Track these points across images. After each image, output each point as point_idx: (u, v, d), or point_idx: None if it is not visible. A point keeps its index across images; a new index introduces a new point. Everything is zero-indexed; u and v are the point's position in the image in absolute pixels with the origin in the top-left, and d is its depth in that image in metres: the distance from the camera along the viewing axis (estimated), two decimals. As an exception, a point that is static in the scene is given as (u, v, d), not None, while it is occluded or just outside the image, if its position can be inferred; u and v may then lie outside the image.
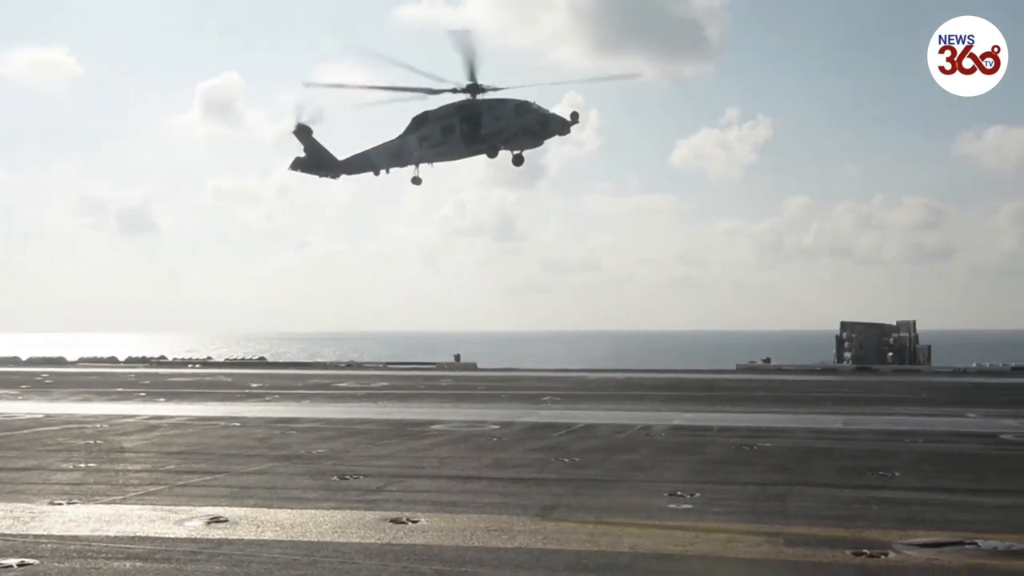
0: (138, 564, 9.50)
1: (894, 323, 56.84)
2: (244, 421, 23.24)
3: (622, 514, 11.84)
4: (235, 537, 10.61)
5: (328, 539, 10.53)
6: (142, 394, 32.74)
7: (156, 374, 47.01)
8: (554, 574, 9.16)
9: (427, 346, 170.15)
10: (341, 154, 43.01)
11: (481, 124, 37.56)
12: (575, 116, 36.41)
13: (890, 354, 53.90)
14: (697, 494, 13.08)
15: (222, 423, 22.81)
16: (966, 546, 10.02)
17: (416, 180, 40.94)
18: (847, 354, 54.99)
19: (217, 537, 10.61)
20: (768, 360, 54.75)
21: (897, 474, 14.92)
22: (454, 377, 44.13)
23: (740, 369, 50.70)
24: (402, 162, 40.73)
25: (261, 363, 62.85)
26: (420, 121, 39.47)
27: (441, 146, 38.91)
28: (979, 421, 22.99)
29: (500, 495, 13.22)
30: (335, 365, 58.18)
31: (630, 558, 9.68)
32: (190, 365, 57.67)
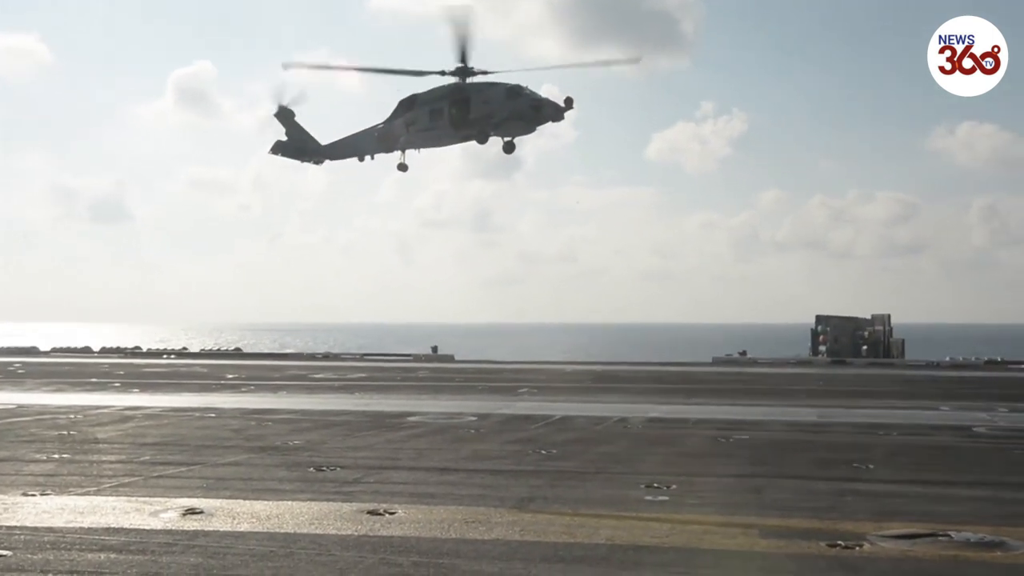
0: (112, 556, 9.43)
1: (869, 317, 57.29)
2: (220, 412, 23.11)
3: (599, 506, 11.88)
4: (211, 529, 10.55)
5: (305, 531, 10.49)
6: (116, 385, 32.47)
7: (131, 364, 46.65)
8: (531, 566, 9.17)
9: (404, 338, 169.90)
10: (325, 139, 41.55)
11: (470, 108, 36.10)
12: (569, 102, 35.01)
13: (864, 347, 54.30)
14: (673, 486, 13.14)
15: (197, 414, 22.67)
16: (939, 538, 10.12)
17: (402, 167, 39.58)
18: (822, 347, 55.36)
19: (192, 529, 10.55)
20: (744, 353, 55.06)
21: (871, 466, 15.05)
22: (431, 369, 44.09)
23: (716, 362, 50.95)
24: (388, 147, 39.32)
25: (237, 354, 62.49)
26: (407, 105, 38.10)
27: (429, 131, 37.48)
28: (952, 414, 23.23)
29: (477, 487, 13.23)
30: (311, 356, 57.95)
31: (607, 550, 9.71)
32: (165, 355, 57.26)
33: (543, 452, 16.51)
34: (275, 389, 30.84)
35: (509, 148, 37.15)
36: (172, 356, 56.69)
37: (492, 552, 9.63)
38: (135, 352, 60.07)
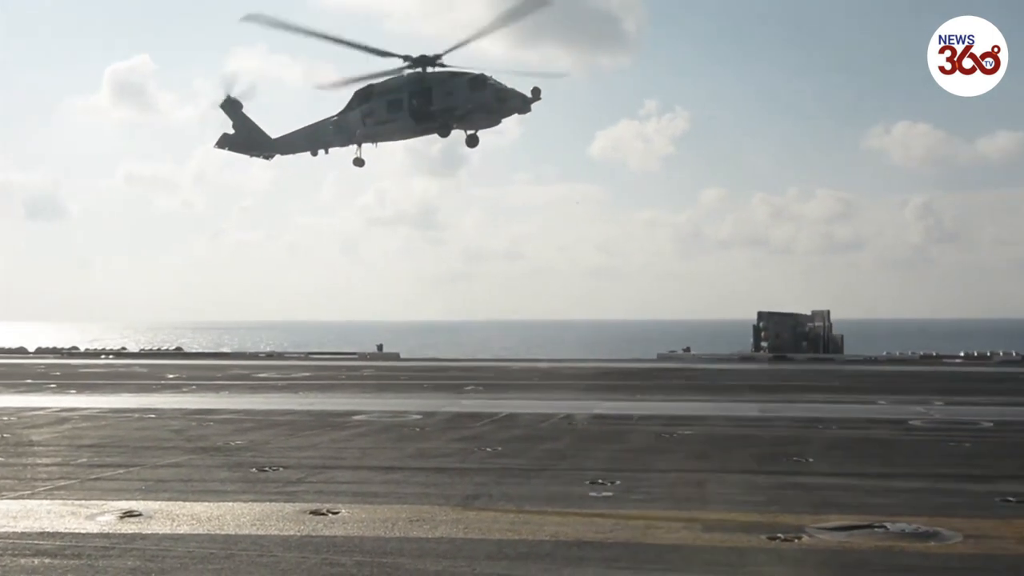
0: (47, 560, 9.21)
1: (809, 313, 58.22)
2: (160, 413, 22.71)
3: (544, 502, 11.91)
4: (149, 531, 10.36)
5: (246, 532, 10.35)
6: (53, 386, 31.74)
7: (68, 365, 45.62)
8: (475, 563, 9.16)
9: (349, 336, 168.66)
10: (275, 132, 39.64)
11: (432, 100, 34.32)
12: (536, 92, 33.21)
13: (805, 343, 55.20)
14: (618, 482, 13.22)
15: (136, 415, 22.24)
16: (875, 529, 10.33)
17: (358, 161, 37.54)
18: (764, 343, 56.13)
19: (130, 532, 10.35)
20: (688, 349, 55.60)
21: (811, 460, 15.31)
22: (377, 367, 43.83)
23: (661, 358, 51.41)
24: (343, 141, 37.37)
25: (178, 353, 61.48)
26: (364, 96, 36.12)
27: (387, 123, 35.60)
28: (889, 408, 23.72)
29: (422, 485, 13.18)
30: (255, 355, 57.25)
31: (551, 546, 9.73)
32: (103, 356, 56.10)
33: (488, 450, 16.51)
34: (217, 389, 30.39)
35: (472, 142, 35.66)
36: (110, 356, 55.57)
37: (436, 550, 9.60)
38: (72, 352, 58.76)
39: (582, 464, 14.96)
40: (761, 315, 57.69)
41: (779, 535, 10.05)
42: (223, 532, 10.35)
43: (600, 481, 13.25)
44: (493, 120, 34.74)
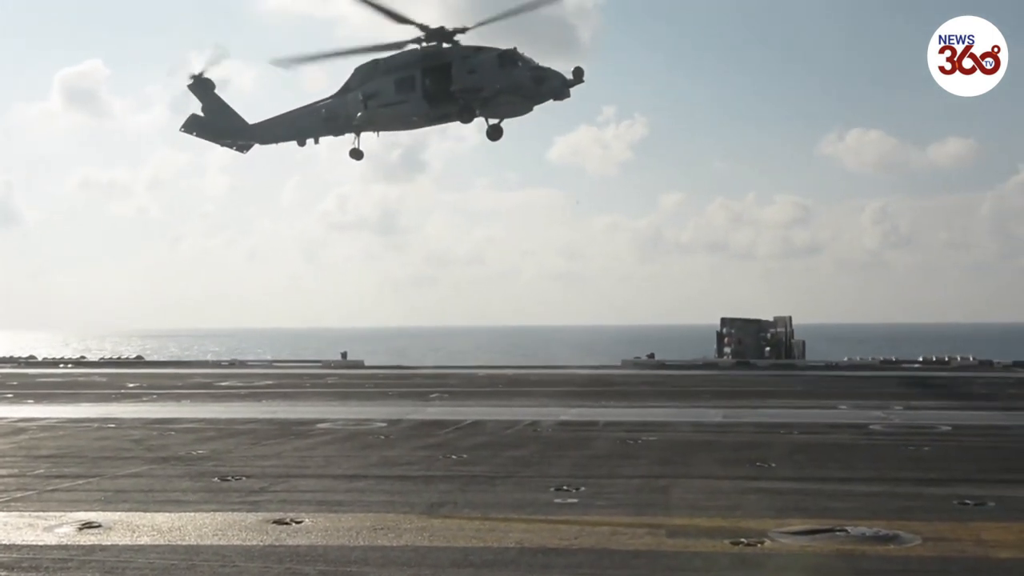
0: (3, 573, 9.05)
1: (771, 319, 58.77)
2: (119, 422, 22.40)
3: (509, 510, 11.91)
4: (108, 543, 10.21)
5: (208, 542, 10.24)
6: (9, 395, 31.18)
7: (24, 374, 44.85)
8: (440, 571, 9.13)
9: (312, 343, 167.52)
10: (254, 117, 34.14)
11: (451, 78, 28.49)
12: (579, 73, 27.89)
13: (767, 349, 55.69)
14: (583, 488, 13.25)
15: (96, 425, 21.92)
16: (837, 533, 10.44)
17: (356, 153, 31.75)
18: (727, 349, 56.55)
19: (89, 543, 10.19)
20: (652, 355, 55.87)
21: (774, 465, 15.44)
22: (341, 375, 43.57)
23: (626, 364, 51.61)
24: (338, 128, 31.42)
25: (138, 362, 60.70)
26: (366, 73, 30.26)
27: (395, 107, 29.60)
28: (850, 413, 23.99)
29: (386, 493, 13.12)
30: (217, 363, 56.67)
31: (516, 553, 9.73)
32: (61, 365, 55.25)
33: (453, 457, 16.48)
34: (178, 398, 30.05)
35: (495, 134, 29.70)
36: (69, 365, 54.73)
37: (401, 558, 9.57)
38: (29, 361, 57.82)
39: (547, 471, 14.98)
40: (724, 321, 58.11)
41: (742, 540, 10.13)
42: (184, 543, 10.24)
43: (565, 488, 13.27)
44: (525, 106, 29.16)
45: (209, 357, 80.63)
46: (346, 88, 30.90)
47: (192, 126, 34.94)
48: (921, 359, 48.72)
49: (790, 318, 57.86)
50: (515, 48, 27.93)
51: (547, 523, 11.10)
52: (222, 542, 10.25)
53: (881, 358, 51.92)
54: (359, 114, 30.46)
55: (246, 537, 10.45)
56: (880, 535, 10.35)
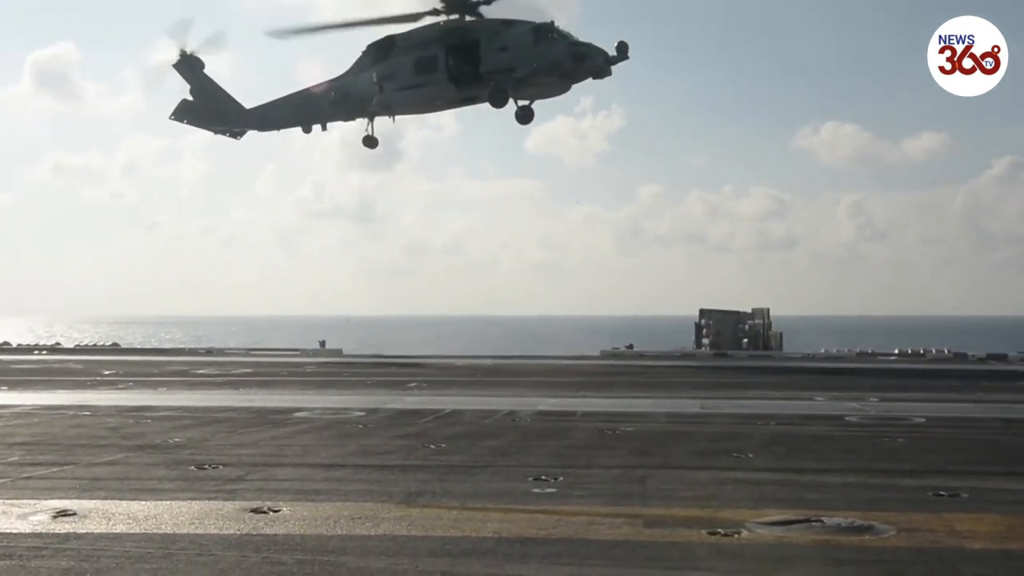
0: (-24, 562, 8.97)
1: (749, 310, 59.08)
2: (95, 410, 22.24)
3: (487, 499, 11.92)
4: (84, 531, 10.15)
5: (184, 531, 10.19)
6: (-17, 382, 30.88)
7: (-1, 361, 44.43)
8: (418, 560, 9.13)
9: (289, 331, 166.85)
10: (251, 101, 30.88)
11: (480, 56, 26.05)
12: (623, 48, 25.34)
13: (745, 340, 56.00)
14: (561, 478, 13.28)
15: (71, 412, 21.75)
16: (813, 523, 10.53)
17: (370, 141, 28.81)
18: (705, 340, 56.82)
19: (64, 531, 10.12)
20: (631, 346, 56.03)
21: (750, 455, 15.53)
22: (319, 363, 43.42)
23: (604, 355, 51.73)
24: (349, 113, 29.00)
25: (114, 349, 60.25)
26: (381, 51, 27.65)
27: (415, 90, 27.07)
28: (826, 404, 24.16)
29: (364, 482, 13.10)
30: (194, 351, 56.32)
31: (494, 543, 9.74)
32: (36, 351, 54.75)
33: (432, 446, 16.47)
34: (155, 386, 29.85)
35: (526, 116, 27.24)
36: (44, 352, 54.25)
37: (379, 548, 9.56)
38: (3, 347, 57.27)
39: (525, 461, 15.00)
40: (703, 312, 58.38)
41: (719, 530, 10.19)
42: (161, 531, 10.19)
43: (543, 477, 13.29)
44: (563, 85, 26.75)
45: (186, 344, 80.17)
46: (358, 67, 27.83)
47: (183, 113, 31.95)
48: (897, 351, 49.15)
49: (768, 310, 58.22)
50: (552, 21, 24.82)
51: (525, 513, 11.12)
52: (199, 531, 10.20)
53: (857, 350, 52.30)
54: (373, 98, 27.51)
55: (223, 526, 10.40)
56: (855, 526, 10.44)
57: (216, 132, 31.88)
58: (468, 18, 25.30)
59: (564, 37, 25.55)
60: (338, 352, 54.21)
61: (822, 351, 52.95)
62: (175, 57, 32.26)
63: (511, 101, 26.56)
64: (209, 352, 55.32)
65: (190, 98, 31.69)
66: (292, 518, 10.77)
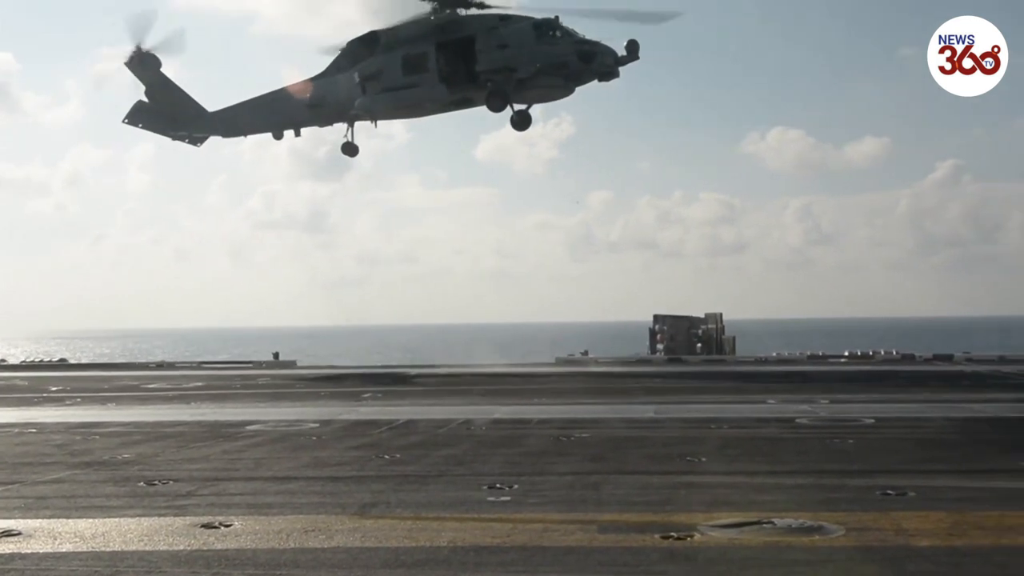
0: (-85, 586, 8.74)
1: (702, 315, 59.61)
2: (41, 427, 21.79)
3: (441, 509, 11.89)
4: (29, 551, 9.94)
5: (133, 548, 10.03)
6: (-76, 401, 30.12)
7: (-59, 378, 43.34)
8: (371, 572, 9.08)
9: (242, 342, 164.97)
10: (214, 104, 28.70)
11: (476, 54, 23.65)
12: (634, 48, 23.23)
13: (699, 345, 56.48)
14: (515, 486, 13.29)
15: (16, 430, 21.29)
16: (764, 525, 10.65)
17: (350, 148, 26.85)
18: (659, 346, 57.22)
19: (8, 552, 9.90)
20: (586, 352, 56.23)
21: (703, 459, 15.67)
22: (272, 376, 42.99)
23: (559, 362, 51.85)
24: (326, 117, 26.39)
25: (62, 365, 59.09)
26: (364, 48, 24.96)
27: (403, 91, 24.44)
28: (778, 407, 24.44)
29: (318, 495, 13.00)
30: (144, 365, 55.44)
31: (448, 552, 9.72)
32: (-19, 368, 53.49)
33: (386, 457, 16.39)
34: (103, 401, 29.33)
35: (522, 122, 25.19)
36: (-11, 369, 53.02)
37: (332, 560, 9.48)
38: (-54, 365, 55.88)
39: (480, 469, 14.98)
40: (657, 318, 58.80)
41: (672, 534, 10.27)
42: (108, 549, 10.01)
43: (498, 486, 13.29)
44: (567, 88, 24.62)
45: (136, 358, 78.91)
46: (337, 66, 25.09)
47: (137, 116, 29.23)
48: (846, 353, 49.88)
49: (720, 314, 58.76)
50: (556, 17, 22.62)
51: (480, 521, 11.11)
52: (148, 548, 10.04)
53: (808, 353, 52.99)
54: (355, 100, 24.87)
55: (173, 542, 10.25)
56: (805, 526, 10.58)
57: (174, 138, 29.54)
58: (462, 12, 22.92)
59: (570, 34, 23.43)
60: (291, 364, 53.71)
61: (774, 354, 53.58)
62: (128, 55, 29.42)
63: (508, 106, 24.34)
64: (160, 366, 54.48)
65: (145, 100, 29.33)
66: (244, 532, 10.65)
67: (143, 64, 28.62)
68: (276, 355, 57.64)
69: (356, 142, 27.34)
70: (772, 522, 10.74)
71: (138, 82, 29.51)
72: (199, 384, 36.99)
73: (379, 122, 25.27)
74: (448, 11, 23.13)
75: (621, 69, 23.43)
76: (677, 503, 12.04)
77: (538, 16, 23.12)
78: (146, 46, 28.74)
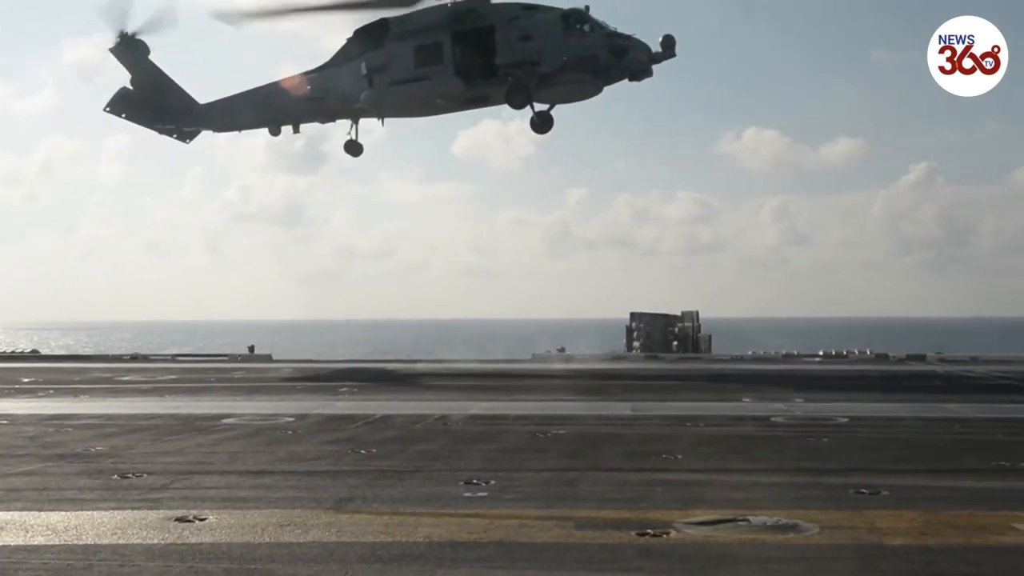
0: None
1: (679, 313, 59.88)
2: (13, 419, 21.56)
3: (418, 504, 11.87)
4: (0, 544, 9.82)
5: (106, 541, 9.95)
6: None
7: (-90, 369, 42.79)
8: (347, 567, 9.05)
9: (217, 336, 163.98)
10: (206, 96, 26.36)
11: (495, 46, 21.70)
12: (670, 44, 21.87)
13: (675, 343, 56.73)
14: (492, 482, 13.29)
15: (-13, 421, 21.06)
16: (739, 522, 10.71)
17: (354, 147, 25.20)
18: (636, 343, 57.43)
19: (-21, 545, 9.79)
20: (563, 349, 56.31)
21: (679, 457, 15.73)
22: (248, 369, 42.75)
23: (536, 358, 51.88)
24: (328, 113, 24.41)
25: (33, 356, 58.47)
26: (372, 37, 22.92)
27: (414, 84, 22.53)
28: (753, 405, 24.58)
29: (294, 489, 12.94)
30: (118, 358, 54.96)
31: (425, 547, 9.71)
32: (-49, 359, 52.84)
33: (362, 452, 16.34)
34: (76, 393, 29.06)
35: (543, 124, 23.47)
36: (-41, 359, 52.41)
37: (307, 555, 9.45)
38: (-84, 355, 55.17)
39: (457, 465, 14.97)
40: (633, 315, 59.04)
41: (648, 531, 10.30)
42: (81, 542, 9.92)
43: (475, 481, 13.29)
44: (595, 85, 22.72)
45: (109, 350, 78.27)
46: (342, 57, 23.10)
47: (121, 105, 27.15)
48: (821, 353, 50.22)
49: (697, 312, 59.08)
50: (586, 7, 20.74)
51: (456, 517, 11.10)
52: (121, 541, 9.96)
53: (783, 352, 53.33)
54: (362, 94, 22.94)
55: (146, 536, 10.18)
56: (780, 524, 10.65)
57: (160, 131, 27.41)
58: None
59: (600, 27, 21.52)
60: (267, 357, 53.42)
61: (750, 353, 53.88)
62: (113, 41, 27.51)
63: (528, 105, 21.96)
64: (134, 358, 54.06)
65: (130, 87, 27.21)
66: (218, 526, 10.58)
67: (130, 50, 26.77)
68: (251, 348, 57.32)
69: (360, 140, 25.97)
70: (747, 520, 10.80)
71: (114, 71, 28.34)
72: (173, 377, 36.73)
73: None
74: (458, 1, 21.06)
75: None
76: (653, 500, 12.08)
77: (568, 8, 21.31)
78: (132, 30, 27.05)
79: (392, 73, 22.51)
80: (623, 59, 21.43)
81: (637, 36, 21.53)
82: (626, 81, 21.92)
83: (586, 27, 21.55)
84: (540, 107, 22.77)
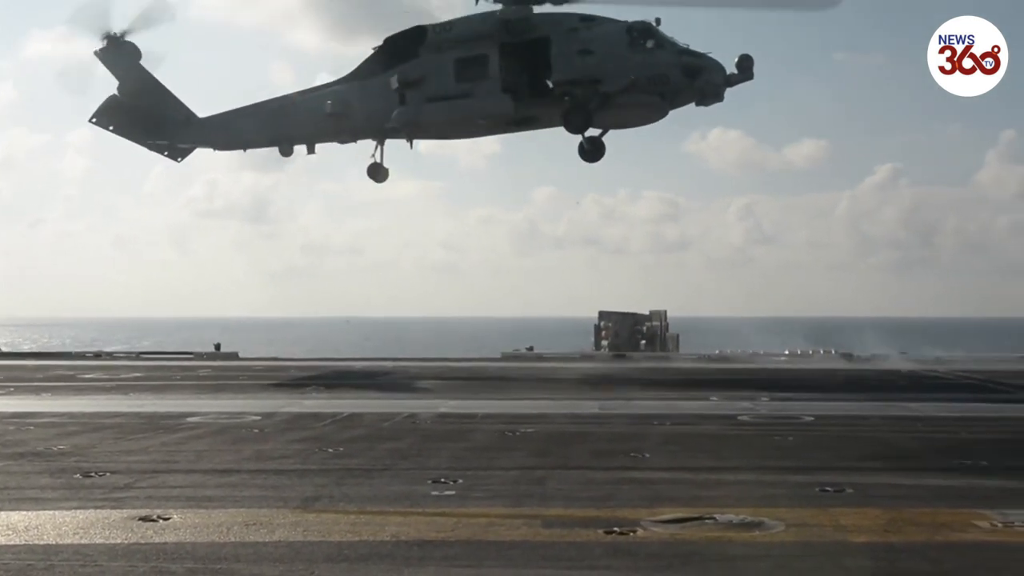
0: None
1: (647, 312, 60.14)
2: (-27, 417, 21.20)
3: (385, 503, 11.82)
4: (-42, 544, 9.66)
5: (68, 541, 9.81)
6: None
7: None
8: (314, 566, 8.99)
9: (183, 333, 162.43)
10: (206, 109, 23.72)
11: (550, 60, 19.62)
12: (748, 64, 19.95)
13: (643, 342, 56.98)
14: (460, 480, 13.26)
15: (-54, 419, 20.69)
16: (706, 520, 10.77)
17: (378, 171, 22.47)
18: (604, 342, 57.61)
19: (-64, 545, 9.62)
20: (532, 348, 56.36)
21: (647, 455, 15.79)
22: (214, 367, 42.35)
23: (505, 357, 51.87)
24: (352, 131, 21.61)
25: (-5, 353, 57.56)
26: (406, 47, 20.65)
27: (454, 101, 20.32)
28: (720, 404, 24.74)
29: (260, 488, 12.84)
30: (81, 355, 54.23)
31: (392, 546, 9.67)
32: (-91, 356, 51.92)
33: (330, 450, 16.25)
34: (38, 391, 28.65)
35: (595, 151, 20.88)
36: (-82, 356, 51.50)
37: (273, 554, 9.38)
38: None
39: (425, 463, 14.93)
40: (602, 314, 59.24)
41: (615, 529, 10.33)
42: (42, 542, 9.78)
43: (443, 480, 13.26)
44: (661, 109, 20.48)
45: (71, 347, 77.27)
46: (369, 69, 20.70)
47: (108, 116, 24.44)
48: (787, 352, 50.67)
49: (665, 312, 59.37)
50: (657, 19, 18.73)
51: (424, 515, 11.07)
52: (83, 541, 9.83)
53: (750, 351, 53.72)
54: (393, 112, 20.53)
55: (109, 535, 10.05)
56: (746, 522, 10.72)
57: (151, 147, 24.89)
58: (537, 9, 18.75)
59: (670, 42, 19.69)
60: (234, 355, 52.96)
61: (717, 352, 54.23)
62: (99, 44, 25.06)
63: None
64: (97, 356, 53.36)
65: (119, 95, 24.67)
66: (183, 526, 10.48)
67: (119, 53, 24.31)
68: (218, 346, 56.83)
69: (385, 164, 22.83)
70: (714, 518, 10.86)
71: (102, 81, 25.74)
72: (138, 375, 36.31)
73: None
74: (515, 7, 19.10)
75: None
76: (620, 498, 12.12)
77: (633, 21, 19.43)
78: (119, 30, 24.93)
79: (428, 88, 20.51)
80: (696, 80, 19.97)
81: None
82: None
83: (653, 42, 19.91)
84: (592, 133, 20.76)
